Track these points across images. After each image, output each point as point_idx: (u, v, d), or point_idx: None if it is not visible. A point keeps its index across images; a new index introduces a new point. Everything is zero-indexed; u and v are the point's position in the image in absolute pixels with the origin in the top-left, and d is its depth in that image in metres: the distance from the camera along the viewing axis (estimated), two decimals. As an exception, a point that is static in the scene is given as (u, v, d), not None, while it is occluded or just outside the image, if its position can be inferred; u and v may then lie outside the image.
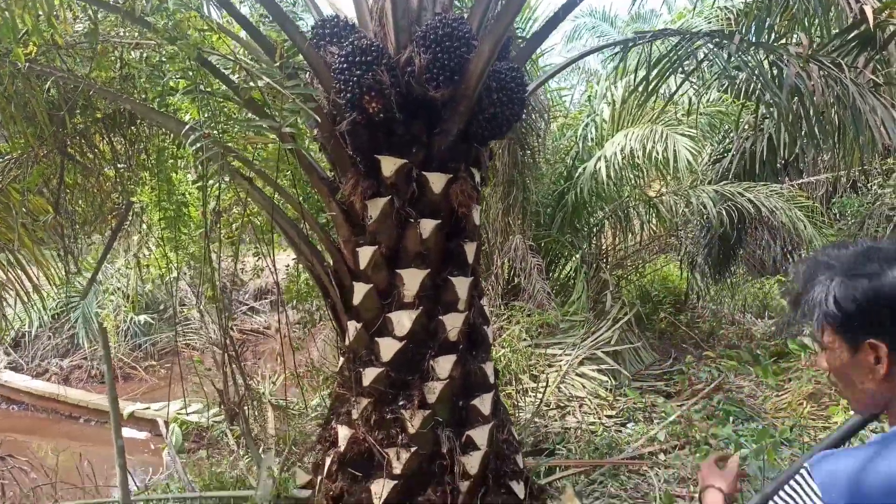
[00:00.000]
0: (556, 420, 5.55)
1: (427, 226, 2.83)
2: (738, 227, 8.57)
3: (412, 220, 2.83)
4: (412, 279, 2.84)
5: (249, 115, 2.75)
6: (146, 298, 11.10)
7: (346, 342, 2.96)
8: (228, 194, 4.28)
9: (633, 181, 8.01)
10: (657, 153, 6.36)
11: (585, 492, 4.32)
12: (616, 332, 6.57)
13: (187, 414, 6.94)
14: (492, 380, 3.01)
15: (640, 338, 7.34)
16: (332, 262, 3.10)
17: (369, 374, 2.81)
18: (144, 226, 4.91)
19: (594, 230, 8.54)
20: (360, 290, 2.88)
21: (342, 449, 2.85)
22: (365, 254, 2.88)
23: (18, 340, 10.03)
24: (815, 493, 1.01)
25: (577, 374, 6.04)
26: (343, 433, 2.88)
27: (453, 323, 2.87)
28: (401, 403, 2.80)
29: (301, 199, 3.56)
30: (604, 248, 9.26)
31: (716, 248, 9.03)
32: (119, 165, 4.20)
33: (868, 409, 1.19)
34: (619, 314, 6.97)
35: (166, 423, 7.20)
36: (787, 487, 1.07)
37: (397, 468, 2.73)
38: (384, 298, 2.89)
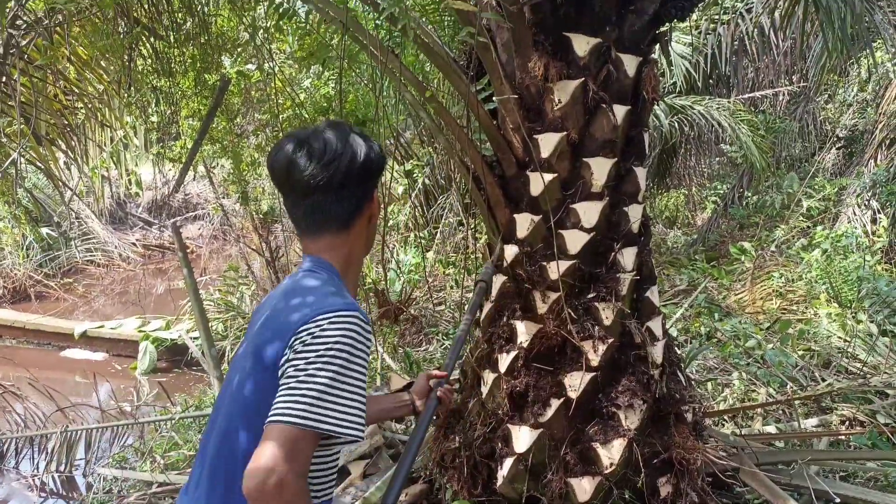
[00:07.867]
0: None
1: (620, 111, 2.70)
2: (681, 141, 9.01)
3: (603, 106, 2.68)
4: (600, 168, 2.72)
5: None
6: (37, 211, 9.73)
7: (519, 235, 2.80)
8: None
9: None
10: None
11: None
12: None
13: (152, 330, 6.31)
14: (655, 272, 3.01)
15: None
16: (493, 151, 2.88)
17: (559, 267, 2.69)
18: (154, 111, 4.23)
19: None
20: (540, 180, 2.71)
21: (525, 344, 2.74)
22: (548, 141, 2.70)
23: None
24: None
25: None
26: (524, 328, 2.76)
27: (635, 214, 2.81)
28: (591, 296, 2.73)
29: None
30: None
31: (655, 161, 9.47)
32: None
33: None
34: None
35: (124, 343, 6.52)
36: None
37: (594, 360, 2.68)
38: (565, 189, 2.75)
